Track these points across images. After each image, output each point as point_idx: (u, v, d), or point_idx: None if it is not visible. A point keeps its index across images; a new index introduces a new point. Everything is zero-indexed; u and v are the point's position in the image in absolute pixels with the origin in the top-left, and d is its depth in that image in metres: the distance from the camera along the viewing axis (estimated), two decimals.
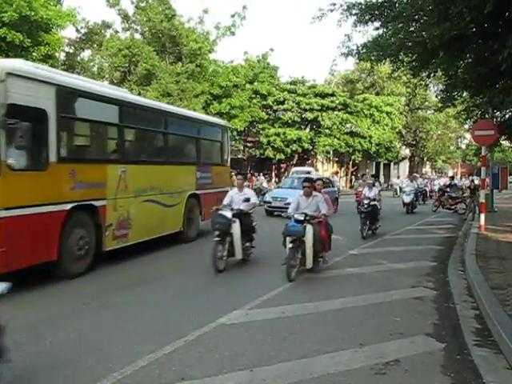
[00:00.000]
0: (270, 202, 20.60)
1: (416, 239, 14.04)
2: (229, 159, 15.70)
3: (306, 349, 5.22)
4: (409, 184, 24.59)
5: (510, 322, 5.64)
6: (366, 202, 14.31)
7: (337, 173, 46.86)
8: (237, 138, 38.06)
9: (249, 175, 32.49)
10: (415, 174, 35.95)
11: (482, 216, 15.19)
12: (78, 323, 6.03)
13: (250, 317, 6.33)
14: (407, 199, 22.77)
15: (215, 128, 15.17)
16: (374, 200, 14.46)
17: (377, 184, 18.26)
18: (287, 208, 18.27)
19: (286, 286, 8.10)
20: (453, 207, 23.53)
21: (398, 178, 43.74)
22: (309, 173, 29.39)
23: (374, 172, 50.67)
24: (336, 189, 24.84)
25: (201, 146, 13.89)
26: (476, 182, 22.78)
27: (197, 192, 13.22)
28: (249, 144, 40.58)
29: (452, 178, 30.49)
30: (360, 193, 18.22)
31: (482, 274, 8.32)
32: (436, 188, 34.82)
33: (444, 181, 35.10)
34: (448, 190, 24.22)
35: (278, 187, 24.07)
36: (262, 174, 36.05)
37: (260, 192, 26.77)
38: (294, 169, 34.36)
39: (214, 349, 5.19)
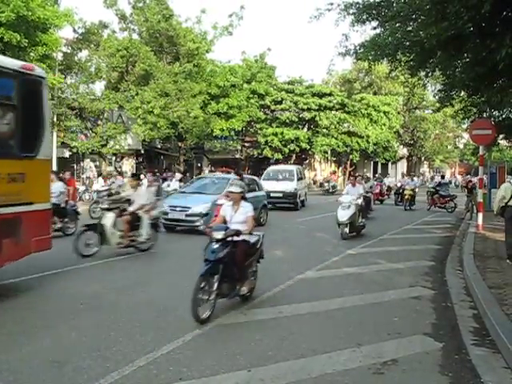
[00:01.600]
0: (167, 214, 14.37)
1: (414, 239, 14.04)
2: (44, 145, 7.87)
3: (303, 349, 5.21)
4: (349, 190, 14.92)
5: (508, 322, 5.65)
6: (218, 236, 6.47)
7: (334, 172, 46.92)
8: (235, 137, 38.13)
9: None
10: (364, 175, 29.21)
11: (480, 215, 15.21)
12: (75, 323, 6.01)
13: (247, 317, 6.32)
14: (343, 216, 13.57)
15: None
16: (238, 234, 6.59)
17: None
18: (190, 221, 14.06)
19: (283, 286, 8.09)
20: (442, 205, 23.98)
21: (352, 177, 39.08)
22: (287, 175, 25.00)
23: (371, 172, 50.56)
24: (264, 193, 18.42)
25: None
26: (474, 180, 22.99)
27: None
28: (247, 144, 40.62)
29: (442, 176, 30.48)
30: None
31: (480, 274, 8.33)
32: (389, 189, 30.88)
33: (392, 180, 32.90)
34: (439, 188, 24.57)
35: (181, 191, 17.42)
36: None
37: None
38: (271, 168, 27.67)
39: (212, 349, 5.18)
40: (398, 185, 28.95)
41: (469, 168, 66.40)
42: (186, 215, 14.30)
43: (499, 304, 6.40)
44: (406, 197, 24.55)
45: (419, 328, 6.00)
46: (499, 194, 10.09)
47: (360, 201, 14.43)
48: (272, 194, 21.78)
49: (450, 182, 37.12)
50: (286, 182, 23.90)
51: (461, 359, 5.01)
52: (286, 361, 4.90)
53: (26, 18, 19.29)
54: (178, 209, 14.50)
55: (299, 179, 25.03)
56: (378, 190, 27.12)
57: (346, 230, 13.65)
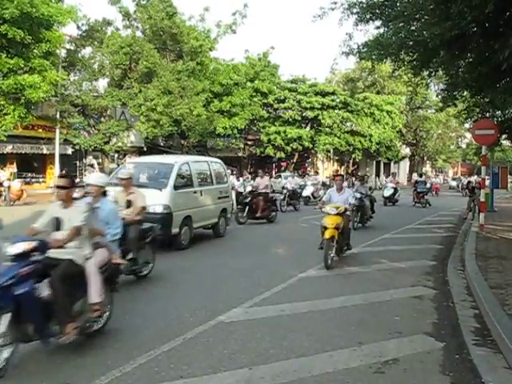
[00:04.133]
0: None
1: (416, 238, 14.02)
2: None
3: (305, 347, 5.22)
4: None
5: (510, 322, 5.64)
6: None
7: (337, 171, 46.88)
8: (237, 136, 38.11)
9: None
10: (365, 174, 23.06)
11: (482, 215, 15.18)
12: None
13: (249, 315, 6.33)
14: None
15: None
16: None
17: None
18: None
19: (285, 284, 8.09)
20: (419, 201, 26.49)
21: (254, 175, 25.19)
22: (157, 176, 12.10)
23: (373, 171, 50.41)
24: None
25: None
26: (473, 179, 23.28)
27: None
28: (249, 142, 40.60)
29: (420, 175, 31.92)
30: None
31: (482, 274, 8.31)
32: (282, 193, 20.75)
33: (290, 181, 23.37)
34: (416, 185, 27.14)
35: None
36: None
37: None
38: (132, 160, 17.12)
39: (213, 347, 5.19)
40: (292, 186, 18.59)
41: (471, 168, 66.34)
42: None
43: (501, 304, 6.39)
44: (327, 235, 9.45)
45: (420, 327, 6.00)
46: None
47: None
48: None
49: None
50: (150, 191, 10.35)
51: (462, 359, 5.01)
52: (287, 359, 4.91)
53: (29, 14, 19.36)
54: None
55: (184, 186, 12.03)
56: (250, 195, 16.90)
57: None
